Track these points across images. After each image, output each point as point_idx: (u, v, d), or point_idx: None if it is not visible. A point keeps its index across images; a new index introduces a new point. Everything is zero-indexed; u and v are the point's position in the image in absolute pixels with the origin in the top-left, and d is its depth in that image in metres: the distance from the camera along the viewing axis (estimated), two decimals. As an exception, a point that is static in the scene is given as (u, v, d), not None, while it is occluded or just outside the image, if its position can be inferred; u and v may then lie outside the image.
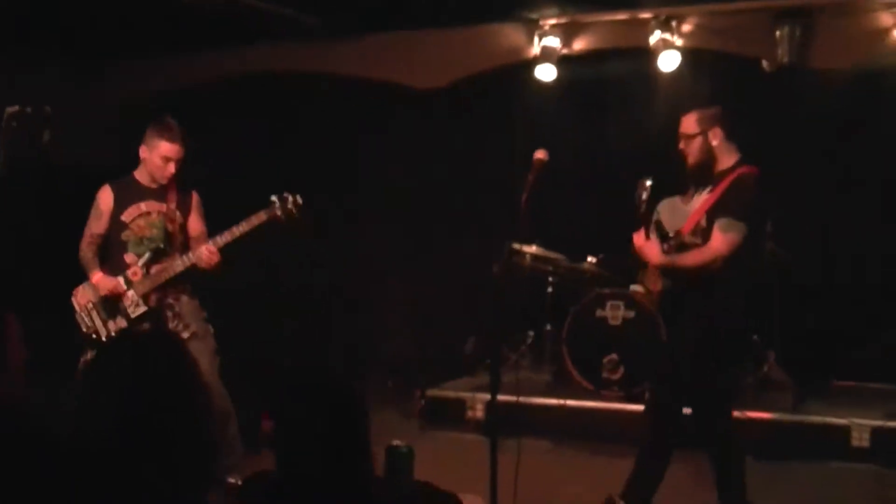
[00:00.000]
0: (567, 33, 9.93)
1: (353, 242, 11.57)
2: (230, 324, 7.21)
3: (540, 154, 6.12)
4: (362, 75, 10.51)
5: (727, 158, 6.36)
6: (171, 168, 6.75)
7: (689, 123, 6.40)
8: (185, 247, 6.91)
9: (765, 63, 9.36)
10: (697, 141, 6.35)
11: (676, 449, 6.42)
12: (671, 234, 6.43)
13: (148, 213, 6.84)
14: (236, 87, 10.95)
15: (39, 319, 6.36)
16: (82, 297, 6.85)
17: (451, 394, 9.65)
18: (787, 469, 7.95)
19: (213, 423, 2.91)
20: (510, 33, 10.10)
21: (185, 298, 6.89)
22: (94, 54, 10.58)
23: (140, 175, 6.88)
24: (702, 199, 6.38)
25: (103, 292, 6.77)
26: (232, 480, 6.11)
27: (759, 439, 8.17)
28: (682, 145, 6.43)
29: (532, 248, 9.52)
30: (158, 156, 6.71)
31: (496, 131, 10.97)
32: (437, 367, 10.43)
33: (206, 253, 6.67)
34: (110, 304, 6.79)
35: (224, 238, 6.71)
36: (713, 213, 6.19)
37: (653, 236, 6.47)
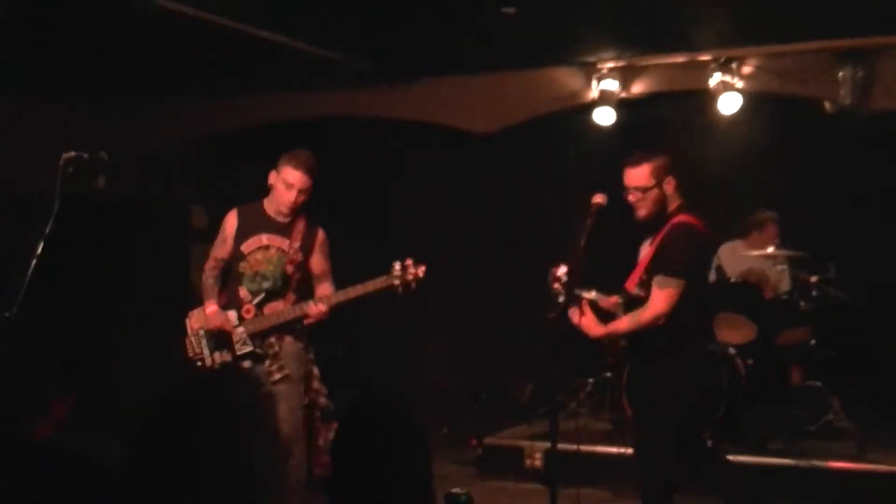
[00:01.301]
0: (625, 76, 9.86)
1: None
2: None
3: (598, 198, 6.07)
4: (418, 120, 10.49)
5: (672, 204, 6.12)
6: (293, 196, 6.62)
7: (642, 175, 6.07)
8: (304, 286, 6.82)
9: (827, 104, 9.24)
10: (652, 194, 6.06)
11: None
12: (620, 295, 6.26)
13: (267, 248, 6.75)
14: (284, 131, 10.96)
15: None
16: (195, 322, 6.79)
17: (509, 442, 9.52)
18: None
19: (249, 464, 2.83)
20: (567, 77, 10.04)
21: (288, 339, 6.76)
22: (140, 97, 10.62)
23: (268, 205, 6.78)
24: (645, 250, 6.25)
25: (213, 325, 6.71)
26: None
27: (824, 488, 8.04)
28: (632, 197, 6.12)
29: (591, 294, 9.40)
30: (282, 181, 6.61)
31: (552, 173, 10.91)
32: (493, 415, 10.33)
33: (314, 310, 6.62)
34: (219, 335, 6.72)
35: (338, 297, 6.68)
36: (652, 266, 6.03)
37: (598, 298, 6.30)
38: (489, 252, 11.35)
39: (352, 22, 8.71)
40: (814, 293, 9.09)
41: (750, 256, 9.32)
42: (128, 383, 8.23)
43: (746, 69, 9.48)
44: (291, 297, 6.73)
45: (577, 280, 6.18)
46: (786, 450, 8.63)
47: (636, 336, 6.12)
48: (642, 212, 6.12)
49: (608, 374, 9.88)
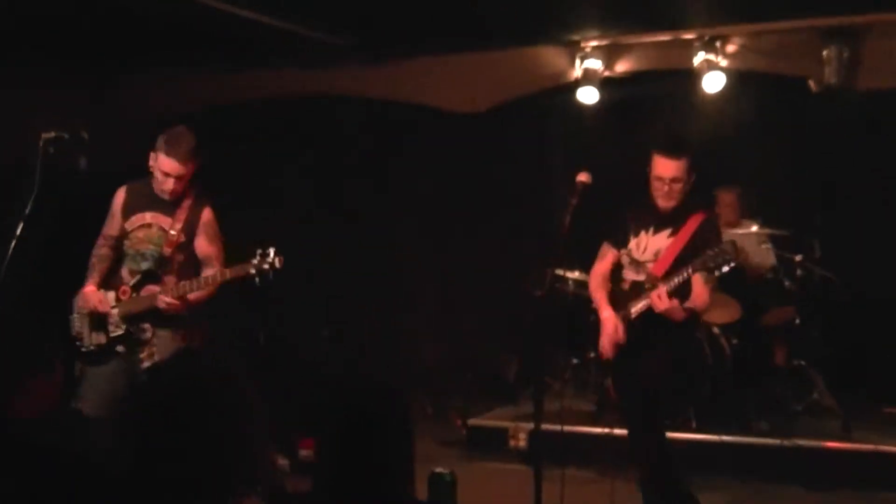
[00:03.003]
0: (609, 55, 9.79)
1: (389, 264, 11.53)
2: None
3: (583, 177, 6.04)
4: (401, 99, 10.42)
5: (691, 198, 6.32)
6: (170, 184, 6.41)
7: (681, 168, 6.20)
8: (191, 270, 6.59)
9: (812, 83, 9.20)
10: (682, 186, 6.23)
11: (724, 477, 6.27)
12: (646, 280, 6.28)
13: (150, 226, 6.54)
14: (267, 107, 10.89)
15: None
16: (80, 301, 6.61)
17: (493, 422, 9.51)
18: (838, 499, 7.78)
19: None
20: (551, 56, 9.96)
21: (164, 326, 6.52)
22: (119, 72, 10.52)
23: (155, 182, 6.56)
24: (665, 241, 6.31)
25: (90, 306, 6.53)
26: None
27: (809, 468, 8.04)
28: (663, 187, 6.24)
29: (575, 274, 9.39)
30: (158, 170, 6.42)
31: (536, 153, 10.88)
32: (477, 393, 10.31)
33: (161, 303, 6.38)
34: (98, 316, 6.54)
35: (184, 288, 6.40)
36: (685, 256, 6.14)
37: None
38: (475, 230, 11.31)
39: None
40: (798, 272, 9.08)
41: (731, 235, 9.27)
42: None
43: (731, 48, 9.41)
44: (172, 279, 6.50)
45: (563, 259, 6.18)
46: (771, 429, 8.64)
47: (651, 321, 6.21)
48: (672, 202, 6.27)
49: (592, 355, 9.84)
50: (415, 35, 9.64)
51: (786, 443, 8.30)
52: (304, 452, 8.00)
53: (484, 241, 11.23)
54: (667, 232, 6.29)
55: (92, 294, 6.56)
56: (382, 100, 10.50)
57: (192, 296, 6.42)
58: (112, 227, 6.65)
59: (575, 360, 10.01)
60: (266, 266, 6.31)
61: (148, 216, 6.54)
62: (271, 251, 6.33)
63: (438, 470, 4.08)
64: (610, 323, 6.32)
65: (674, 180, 6.16)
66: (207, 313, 6.67)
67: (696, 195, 6.36)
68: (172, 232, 6.50)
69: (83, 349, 6.55)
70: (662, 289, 5.98)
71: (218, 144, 6.97)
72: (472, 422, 9.49)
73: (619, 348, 6.37)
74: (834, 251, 9.12)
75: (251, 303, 10.67)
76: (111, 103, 10.50)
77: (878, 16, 8.89)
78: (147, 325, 6.49)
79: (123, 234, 6.59)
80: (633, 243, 6.40)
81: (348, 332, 11.17)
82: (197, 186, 6.62)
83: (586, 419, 9.14)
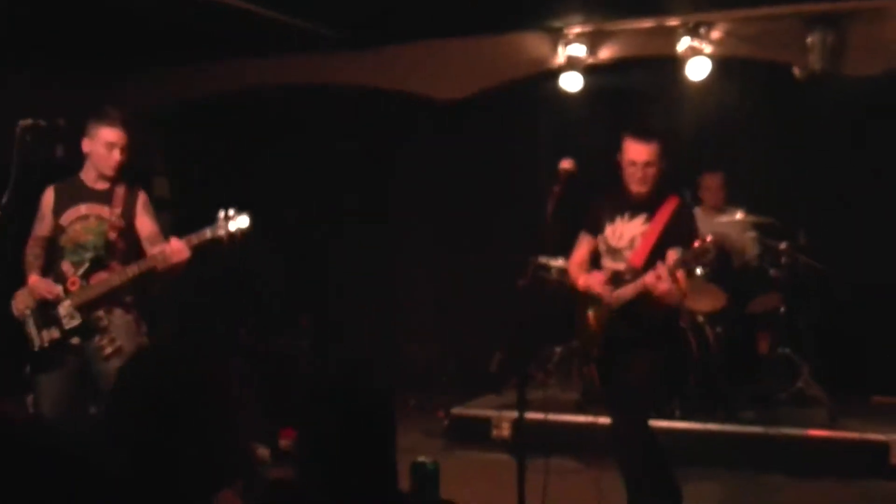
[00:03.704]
0: (593, 42, 9.75)
1: (376, 252, 11.51)
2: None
3: (566, 164, 6.00)
4: (383, 87, 10.38)
5: (664, 183, 6.24)
6: (117, 155, 6.38)
7: (653, 152, 6.12)
8: (132, 255, 6.51)
9: (796, 70, 9.17)
10: (655, 170, 6.14)
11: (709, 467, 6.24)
12: (624, 270, 6.20)
13: (86, 217, 6.46)
14: (257, 98, 10.86)
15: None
16: (21, 303, 6.49)
17: (476, 412, 9.46)
18: (822, 487, 7.77)
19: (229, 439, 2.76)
20: (534, 42, 9.92)
21: (117, 312, 6.46)
22: (110, 65, 10.44)
23: (86, 174, 6.51)
24: (640, 227, 6.22)
25: (37, 295, 6.41)
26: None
27: (794, 456, 8.05)
28: (636, 172, 6.14)
29: (559, 262, 9.35)
30: (101, 144, 6.36)
31: (522, 140, 10.84)
32: (461, 384, 10.28)
33: (176, 247, 6.24)
34: (46, 312, 6.42)
35: (190, 240, 6.32)
36: (663, 243, 6.08)
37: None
38: (463, 221, 11.29)
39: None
40: (784, 260, 9.04)
41: (717, 223, 9.23)
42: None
43: (715, 34, 9.38)
44: (116, 266, 6.43)
45: (547, 247, 6.13)
46: (755, 418, 8.62)
47: (634, 308, 6.11)
48: (644, 188, 6.16)
49: (576, 344, 9.80)
50: (396, 22, 9.59)
51: (770, 431, 8.28)
52: (283, 442, 7.96)
53: (472, 232, 11.20)
54: (642, 218, 6.21)
55: (38, 282, 6.45)
56: (363, 88, 10.45)
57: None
58: (43, 228, 6.57)
59: (558, 349, 9.99)
60: (231, 228, 6.29)
61: (83, 208, 6.48)
62: (232, 211, 6.30)
63: (421, 459, 4.03)
64: (595, 277, 6.29)
65: (646, 164, 6.09)
66: (154, 297, 6.74)
67: (668, 181, 6.28)
68: (113, 218, 6.46)
69: (35, 349, 6.43)
70: (662, 269, 5.90)
71: (205, 138, 6.93)
72: (454, 411, 9.44)
73: (604, 340, 6.30)
74: (820, 239, 9.07)
75: (233, 294, 10.68)
76: (93, 95, 10.43)
77: (862, 2, 8.90)
78: (101, 313, 6.40)
79: (57, 232, 6.50)
80: (608, 230, 6.33)
81: (330, 323, 11.15)
82: (125, 173, 6.58)
83: (570, 408, 9.10)
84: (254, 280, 11.08)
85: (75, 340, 6.40)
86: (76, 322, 6.38)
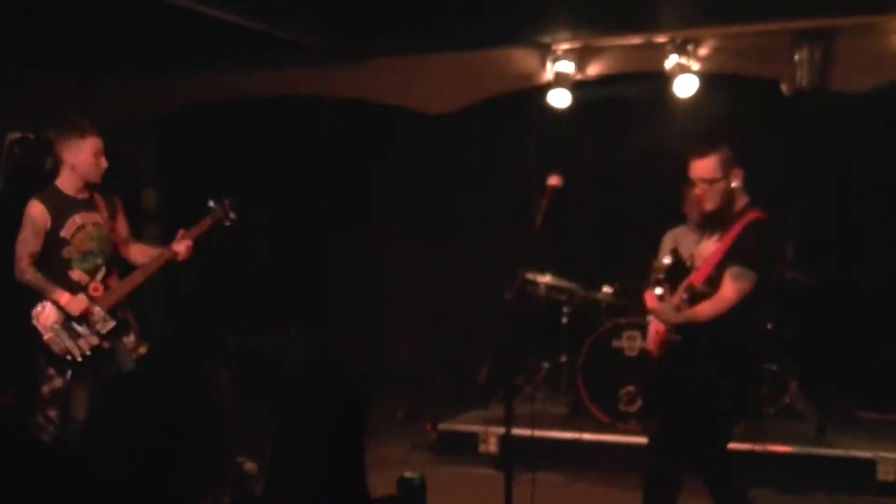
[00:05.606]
0: (581, 58, 9.74)
1: (364, 264, 11.52)
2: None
3: (553, 180, 5.98)
4: (370, 99, 10.36)
5: (740, 200, 5.96)
6: (104, 162, 6.67)
7: (710, 167, 5.87)
8: (118, 256, 6.90)
9: (784, 86, 9.18)
10: (719, 186, 5.87)
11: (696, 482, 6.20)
12: (684, 287, 5.97)
13: (83, 227, 6.66)
14: (248, 108, 10.86)
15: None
16: (46, 319, 6.55)
17: (463, 427, 9.44)
18: (810, 503, 7.80)
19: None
20: (522, 58, 9.91)
21: (129, 313, 6.85)
22: (90, 73, 10.42)
23: (65, 185, 6.65)
24: (711, 246, 5.98)
25: (76, 313, 6.53)
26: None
27: (781, 472, 8.05)
28: (698, 191, 5.95)
29: (546, 278, 9.37)
30: (88, 153, 6.56)
31: (510, 155, 10.86)
32: (449, 397, 10.27)
33: (185, 246, 6.76)
34: (75, 322, 6.56)
35: (192, 233, 6.83)
36: (725, 261, 5.81)
37: (665, 294, 5.84)
38: (454, 232, 11.31)
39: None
40: (771, 275, 9.05)
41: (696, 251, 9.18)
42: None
43: (703, 50, 9.37)
44: (114, 267, 6.80)
45: (534, 262, 6.10)
46: (743, 433, 8.61)
47: (694, 333, 5.88)
48: (709, 205, 5.94)
49: (564, 359, 9.80)
50: (385, 35, 9.59)
51: (757, 447, 8.27)
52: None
53: (462, 244, 11.21)
54: (715, 237, 6.00)
55: (74, 301, 6.56)
56: (352, 100, 10.44)
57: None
58: (37, 243, 6.62)
59: (546, 364, 9.99)
60: (232, 215, 6.85)
61: (77, 219, 6.66)
62: (227, 202, 6.88)
63: (408, 474, 4.03)
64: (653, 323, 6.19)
65: (707, 181, 5.89)
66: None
67: (748, 194, 6.00)
68: (107, 221, 6.77)
69: (78, 359, 6.55)
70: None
71: (194, 149, 7.00)
72: (442, 426, 9.42)
73: (664, 362, 6.17)
74: (808, 253, 9.09)
75: (221, 303, 10.65)
76: (83, 104, 10.41)
77: (850, 18, 8.88)
78: (129, 313, 6.78)
79: (60, 245, 6.62)
80: (695, 251, 6.19)
81: (319, 333, 11.13)
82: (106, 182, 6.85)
83: (558, 423, 9.10)
84: (241, 287, 11.08)
85: (106, 344, 6.59)
86: (111, 325, 6.62)
